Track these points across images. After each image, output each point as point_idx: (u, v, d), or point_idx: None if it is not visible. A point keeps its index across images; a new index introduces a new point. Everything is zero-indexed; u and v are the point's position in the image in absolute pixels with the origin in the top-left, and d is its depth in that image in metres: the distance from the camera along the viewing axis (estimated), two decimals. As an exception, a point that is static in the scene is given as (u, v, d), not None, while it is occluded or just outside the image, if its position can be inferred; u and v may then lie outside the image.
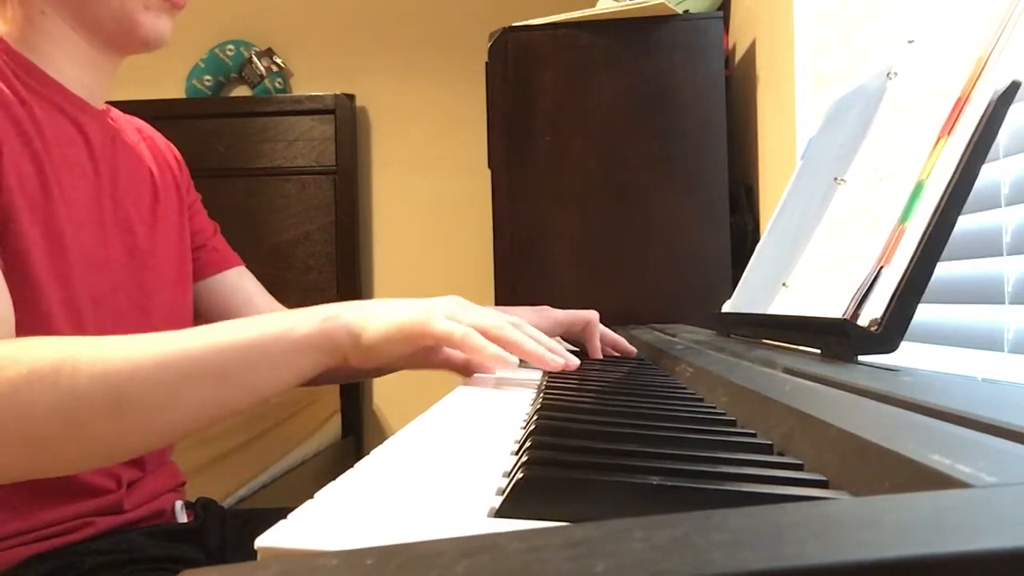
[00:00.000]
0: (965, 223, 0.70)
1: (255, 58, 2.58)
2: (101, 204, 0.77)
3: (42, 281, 0.67)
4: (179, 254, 0.88)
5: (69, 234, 0.71)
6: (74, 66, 0.76)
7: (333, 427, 2.35)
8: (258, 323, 0.60)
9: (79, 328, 0.70)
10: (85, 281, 0.72)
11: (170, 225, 0.87)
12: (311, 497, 0.27)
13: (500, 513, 0.26)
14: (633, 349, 0.91)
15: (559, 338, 0.89)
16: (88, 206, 0.75)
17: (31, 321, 0.64)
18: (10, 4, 0.73)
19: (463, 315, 0.62)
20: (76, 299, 0.71)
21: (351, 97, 2.54)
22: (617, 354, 0.91)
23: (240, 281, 0.98)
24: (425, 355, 0.84)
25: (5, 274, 0.63)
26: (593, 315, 0.89)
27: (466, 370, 0.85)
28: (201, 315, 0.95)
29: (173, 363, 0.55)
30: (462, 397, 0.57)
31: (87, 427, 0.54)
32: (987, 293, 0.71)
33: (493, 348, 0.60)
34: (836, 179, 0.70)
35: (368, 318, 0.60)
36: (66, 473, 0.68)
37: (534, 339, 0.65)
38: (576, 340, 0.91)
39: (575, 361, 0.67)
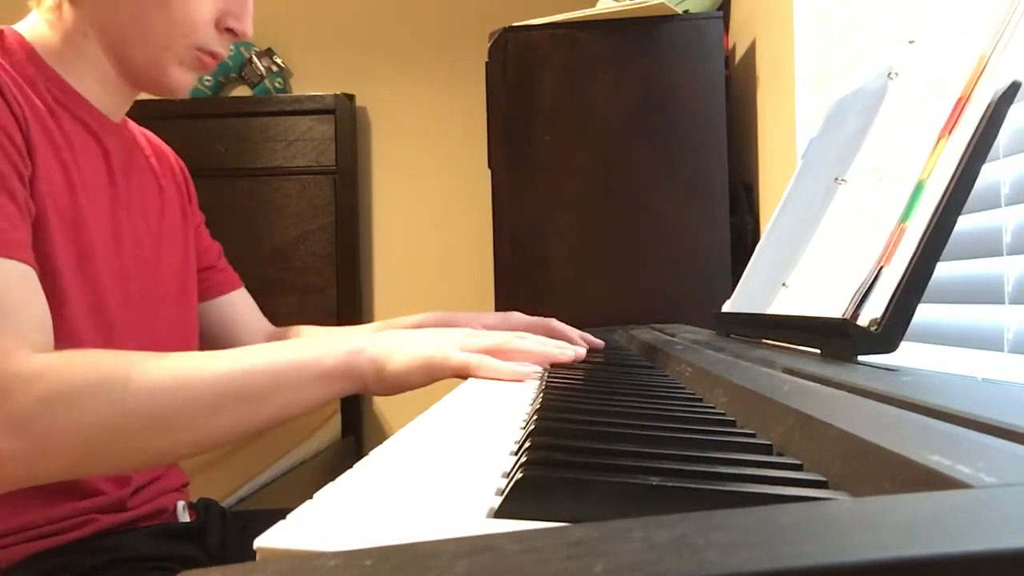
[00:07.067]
0: (965, 223, 0.69)
1: (255, 58, 2.58)
2: (116, 215, 0.79)
3: (69, 288, 0.69)
4: (183, 268, 0.89)
5: (95, 242, 0.73)
6: (97, 86, 0.78)
7: (333, 427, 2.35)
8: (291, 350, 0.66)
9: (105, 335, 0.72)
10: (110, 289, 0.74)
11: (175, 238, 0.88)
12: (311, 497, 0.27)
13: (499, 513, 0.26)
14: (600, 342, 0.94)
15: None
16: (106, 216, 0.77)
17: (58, 328, 0.65)
18: (61, 16, 0.75)
19: (474, 343, 0.67)
20: (104, 306, 0.73)
21: (351, 97, 2.54)
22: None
23: (242, 303, 1.01)
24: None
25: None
26: (552, 320, 0.94)
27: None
28: (202, 334, 0.95)
29: (215, 383, 0.60)
30: (461, 397, 0.56)
31: (132, 440, 0.58)
32: (987, 293, 0.71)
33: (508, 367, 0.64)
34: (836, 179, 0.70)
35: (390, 352, 0.65)
36: (101, 476, 0.73)
37: (541, 343, 0.72)
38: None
39: (582, 350, 0.73)
